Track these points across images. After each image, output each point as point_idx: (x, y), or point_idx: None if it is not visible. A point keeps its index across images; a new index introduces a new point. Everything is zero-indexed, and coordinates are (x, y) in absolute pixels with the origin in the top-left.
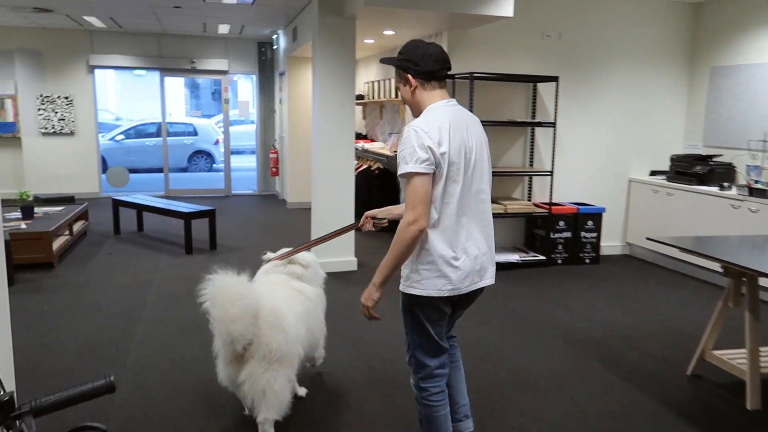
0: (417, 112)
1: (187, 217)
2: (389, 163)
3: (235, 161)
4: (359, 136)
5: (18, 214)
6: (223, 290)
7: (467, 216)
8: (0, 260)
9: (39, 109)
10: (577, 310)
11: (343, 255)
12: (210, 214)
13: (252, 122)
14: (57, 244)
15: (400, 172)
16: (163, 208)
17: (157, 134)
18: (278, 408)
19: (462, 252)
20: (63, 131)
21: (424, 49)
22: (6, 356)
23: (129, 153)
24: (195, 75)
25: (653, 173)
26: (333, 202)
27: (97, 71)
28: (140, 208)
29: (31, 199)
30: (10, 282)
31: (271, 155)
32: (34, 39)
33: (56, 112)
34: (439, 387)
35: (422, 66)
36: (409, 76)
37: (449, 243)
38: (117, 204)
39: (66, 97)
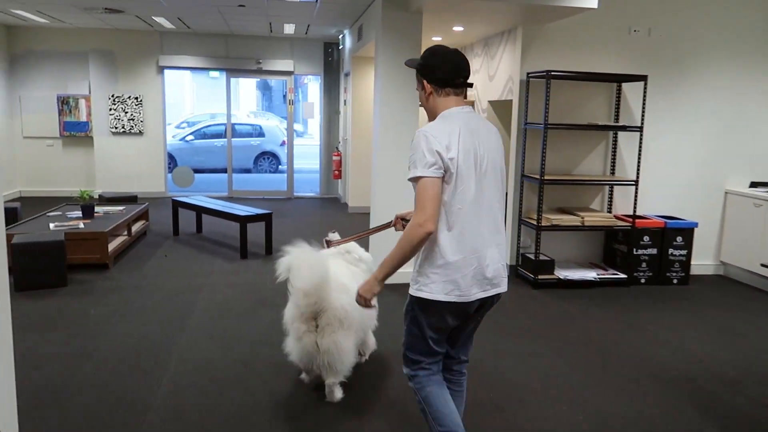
0: (431, 117)
1: (243, 221)
2: None
3: (300, 163)
4: None
5: (78, 213)
6: (299, 259)
7: (479, 222)
8: (2, 285)
9: (110, 109)
10: (663, 339)
11: None
12: (267, 218)
13: (299, 134)
14: (113, 244)
15: (408, 176)
16: (220, 210)
17: (226, 135)
18: (346, 369)
19: (473, 258)
20: (132, 131)
21: (443, 56)
22: (7, 400)
23: (197, 153)
24: (261, 76)
25: (754, 185)
26: (392, 207)
27: (170, 72)
28: (198, 210)
29: (93, 197)
30: (63, 283)
31: (334, 158)
32: (107, 40)
33: (126, 112)
34: (430, 370)
35: (437, 73)
36: (425, 81)
37: (460, 248)
38: (176, 205)
39: (136, 98)
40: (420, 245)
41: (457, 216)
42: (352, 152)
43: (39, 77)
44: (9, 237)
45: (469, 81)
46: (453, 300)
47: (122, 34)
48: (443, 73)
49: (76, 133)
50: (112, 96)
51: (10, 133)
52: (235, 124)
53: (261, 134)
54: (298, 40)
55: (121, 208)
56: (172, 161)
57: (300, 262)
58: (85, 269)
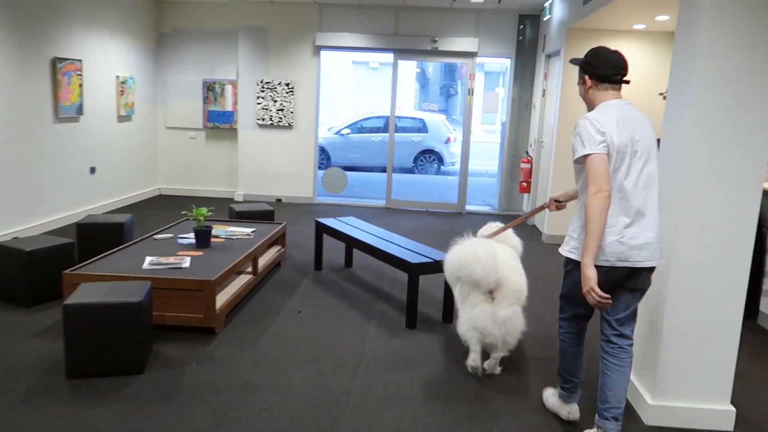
0: (590, 108)
1: (414, 272)
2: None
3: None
4: None
5: (191, 240)
6: (468, 254)
7: (635, 198)
8: None
9: (258, 97)
10: None
11: None
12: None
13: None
14: (227, 293)
15: (576, 155)
16: (378, 248)
17: (384, 129)
18: (515, 342)
19: (626, 229)
20: (281, 123)
21: (605, 56)
22: None
23: (353, 149)
24: (436, 58)
25: None
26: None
27: (326, 55)
28: (347, 242)
29: (210, 216)
30: (140, 368)
31: (522, 165)
32: (260, 15)
33: (275, 101)
34: (572, 330)
35: (599, 70)
36: (586, 76)
37: (614, 218)
38: (321, 229)
39: (287, 84)
40: (605, 210)
41: (615, 191)
42: (554, 158)
43: (186, 59)
44: (74, 280)
45: (626, 79)
46: (601, 264)
47: (277, 8)
48: (604, 70)
49: (220, 124)
50: (261, 82)
51: (153, 123)
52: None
53: (423, 129)
54: (487, 12)
55: (250, 230)
56: (323, 155)
57: (470, 257)
58: (181, 335)
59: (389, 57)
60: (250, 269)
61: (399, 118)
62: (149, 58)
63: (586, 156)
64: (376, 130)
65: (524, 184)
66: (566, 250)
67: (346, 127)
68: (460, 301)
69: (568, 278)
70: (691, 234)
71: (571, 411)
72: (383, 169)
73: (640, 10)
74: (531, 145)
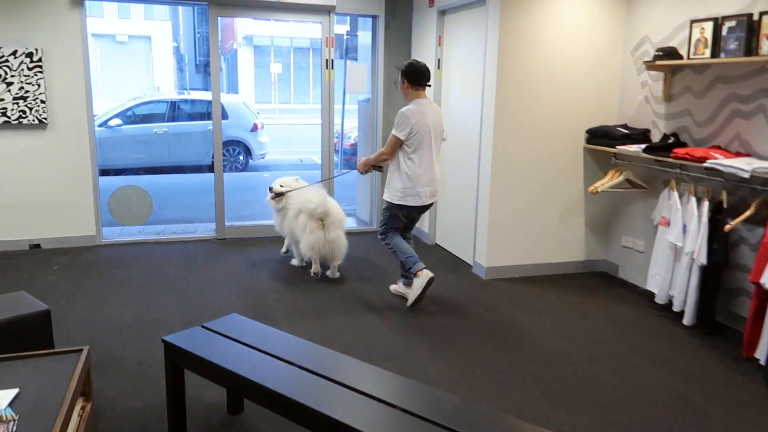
0: (406, 99)
1: None
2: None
3: (281, 153)
4: (626, 135)
5: None
6: (308, 190)
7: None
8: None
9: None
10: None
11: None
12: None
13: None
14: None
15: (392, 132)
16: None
17: (170, 117)
18: (343, 256)
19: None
20: (25, 120)
21: (417, 67)
22: None
23: (127, 145)
24: (273, 14)
25: None
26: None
27: (87, 2)
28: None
29: None
30: None
31: None
32: None
33: (9, 84)
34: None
35: (413, 77)
36: (406, 80)
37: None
38: (178, 362)
39: (29, 55)
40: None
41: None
42: (474, 161)
43: None
44: None
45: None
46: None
47: None
48: (415, 78)
49: None
50: None
51: None
52: (177, 101)
53: (223, 115)
54: None
55: None
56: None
57: (308, 192)
58: None
59: (184, 14)
60: None
61: (186, 102)
62: None
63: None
64: (157, 118)
65: None
66: (387, 197)
67: (115, 116)
68: (300, 233)
69: (387, 212)
70: None
71: (426, 272)
72: (175, 170)
73: None
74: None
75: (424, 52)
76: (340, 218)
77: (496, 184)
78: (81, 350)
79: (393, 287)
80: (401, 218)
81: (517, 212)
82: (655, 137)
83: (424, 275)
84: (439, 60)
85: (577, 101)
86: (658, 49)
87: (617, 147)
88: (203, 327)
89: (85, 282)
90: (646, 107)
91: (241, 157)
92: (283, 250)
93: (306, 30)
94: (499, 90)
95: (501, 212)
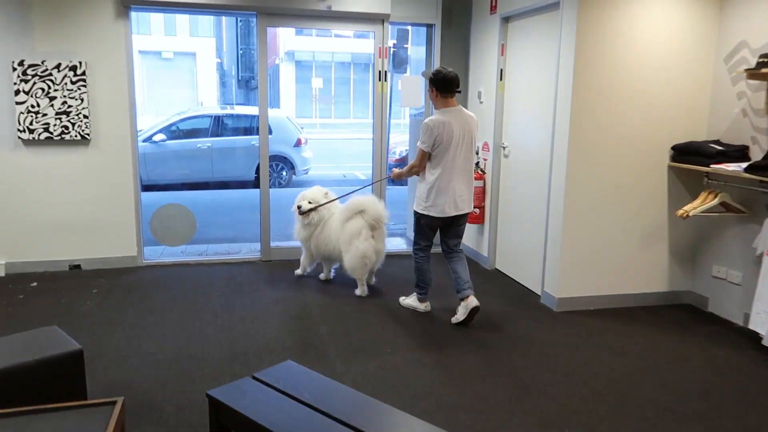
0: (436, 109)
1: None
2: None
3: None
4: (721, 152)
5: None
6: (368, 200)
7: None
8: None
9: (17, 92)
10: None
11: None
12: None
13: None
14: None
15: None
16: None
17: (213, 132)
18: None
19: (439, 194)
20: (67, 136)
21: (444, 75)
22: None
23: (171, 161)
24: (324, 24)
25: None
26: None
27: (134, 16)
28: None
29: None
30: None
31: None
32: None
33: (53, 98)
34: (426, 254)
35: (441, 84)
36: (434, 87)
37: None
38: (224, 420)
39: (73, 68)
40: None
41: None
42: (545, 180)
43: None
44: None
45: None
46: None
47: None
48: (444, 85)
49: None
50: (21, 64)
51: None
52: (221, 116)
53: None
54: None
55: None
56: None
57: (367, 197)
58: None
59: (228, 30)
60: None
61: (230, 116)
62: None
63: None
64: (201, 133)
65: (475, 211)
66: (414, 206)
67: (159, 131)
68: (346, 242)
69: (415, 223)
70: None
71: (427, 305)
72: (219, 185)
73: None
74: (479, 155)
75: (484, 63)
76: (385, 228)
77: (570, 206)
78: (115, 402)
79: (405, 301)
80: (427, 229)
81: (594, 238)
82: (755, 155)
83: (423, 307)
84: (501, 71)
85: (661, 115)
86: (762, 55)
87: (711, 165)
88: (254, 378)
89: (124, 309)
90: (743, 121)
91: (285, 173)
92: (299, 272)
93: (348, 45)
94: (575, 104)
95: (575, 238)
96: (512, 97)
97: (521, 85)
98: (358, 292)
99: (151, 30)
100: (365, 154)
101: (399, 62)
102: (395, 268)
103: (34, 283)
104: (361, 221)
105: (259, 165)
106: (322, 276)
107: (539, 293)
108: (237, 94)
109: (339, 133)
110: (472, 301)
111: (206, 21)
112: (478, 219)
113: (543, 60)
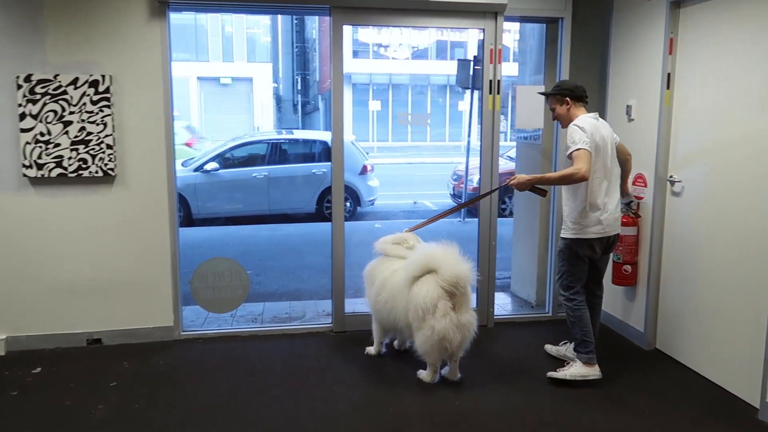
0: (566, 124)
1: None
2: None
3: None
4: None
5: None
6: (444, 252)
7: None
8: None
9: (23, 115)
10: None
11: None
12: None
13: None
14: None
15: (570, 150)
16: None
17: (270, 160)
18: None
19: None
20: (85, 171)
21: (575, 84)
22: None
23: (224, 192)
24: (418, 19)
25: None
26: None
27: (175, 19)
28: None
29: None
30: None
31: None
32: None
33: (67, 123)
34: (582, 297)
35: (575, 92)
36: (568, 98)
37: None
38: None
39: (93, 83)
40: (570, 183)
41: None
42: (690, 223)
43: None
44: None
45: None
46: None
47: None
48: (579, 93)
49: None
50: (28, 80)
51: None
52: (279, 141)
53: (324, 156)
54: None
55: None
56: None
57: (446, 254)
58: None
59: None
60: None
61: (288, 142)
62: None
63: (578, 149)
64: (257, 161)
65: (625, 269)
66: (562, 233)
67: (211, 159)
68: (418, 317)
69: (564, 255)
70: None
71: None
72: (275, 219)
73: None
74: (629, 193)
75: (637, 67)
76: (470, 293)
77: None
78: None
79: (567, 371)
80: (583, 260)
81: None
82: None
83: (596, 372)
84: (668, 75)
85: None
86: None
87: None
88: None
89: (147, 420)
90: None
91: (348, 204)
92: (372, 351)
93: (404, 67)
94: None
95: None
96: (689, 112)
97: (703, 97)
98: (424, 376)
99: (209, 57)
100: (432, 180)
101: (475, 79)
102: (493, 343)
103: (38, 369)
104: (434, 284)
105: (321, 195)
106: (395, 344)
107: (755, 404)
108: (293, 120)
109: (398, 157)
110: (598, 372)
111: (263, 47)
112: (629, 279)
113: (745, 63)
